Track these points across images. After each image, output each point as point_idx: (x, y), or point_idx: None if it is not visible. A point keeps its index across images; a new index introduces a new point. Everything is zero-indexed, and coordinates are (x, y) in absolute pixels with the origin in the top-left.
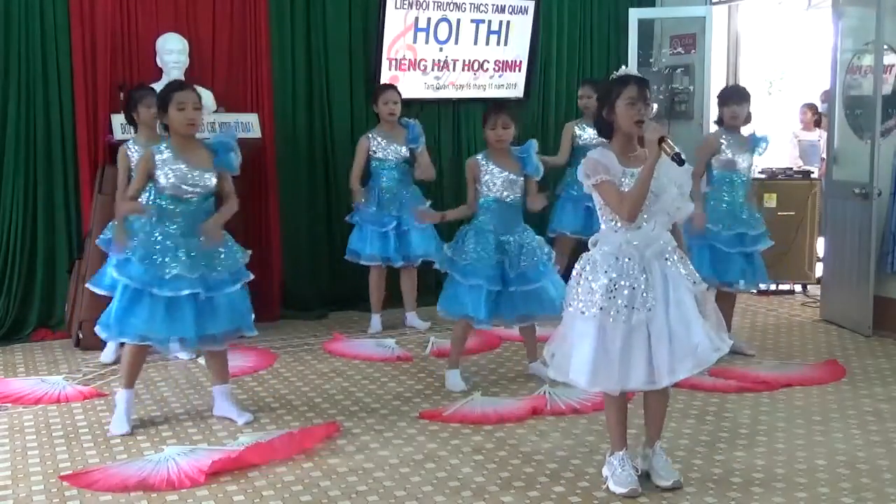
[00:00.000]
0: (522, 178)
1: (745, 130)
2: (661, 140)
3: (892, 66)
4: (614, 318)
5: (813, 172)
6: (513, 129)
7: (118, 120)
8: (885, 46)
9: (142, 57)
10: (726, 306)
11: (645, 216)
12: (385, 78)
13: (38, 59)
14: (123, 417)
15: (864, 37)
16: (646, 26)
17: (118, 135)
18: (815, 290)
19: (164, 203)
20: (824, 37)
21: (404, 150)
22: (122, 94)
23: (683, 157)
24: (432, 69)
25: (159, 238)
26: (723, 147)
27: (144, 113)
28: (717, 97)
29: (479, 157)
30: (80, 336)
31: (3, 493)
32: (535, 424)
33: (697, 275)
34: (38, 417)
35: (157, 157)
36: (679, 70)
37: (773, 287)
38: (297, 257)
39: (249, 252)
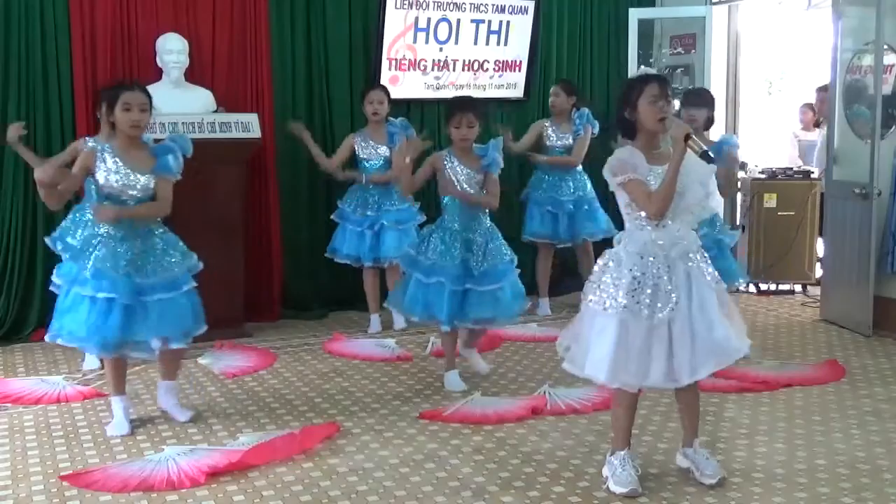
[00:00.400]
0: (483, 176)
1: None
2: (687, 137)
3: (892, 66)
4: (637, 316)
5: (813, 172)
6: (477, 129)
7: None
8: (885, 46)
9: (142, 57)
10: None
11: (670, 215)
12: (385, 78)
13: (38, 59)
14: (122, 420)
15: (864, 37)
16: (646, 26)
17: None
18: (815, 290)
19: (102, 203)
20: (824, 37)
21: (384, 150)
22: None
23: (711, 154)
24: (432, 69)
25: (97, 240)
26: None
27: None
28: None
29: (444, 153)
30: None
31: (3, 493)
32: (535, 424)
33: (718, 275)
34: (38, 417)
35: (99, 155)
36: (679, 70)
37: (773, 287)
38: (297, 257)
39: (195, 258)
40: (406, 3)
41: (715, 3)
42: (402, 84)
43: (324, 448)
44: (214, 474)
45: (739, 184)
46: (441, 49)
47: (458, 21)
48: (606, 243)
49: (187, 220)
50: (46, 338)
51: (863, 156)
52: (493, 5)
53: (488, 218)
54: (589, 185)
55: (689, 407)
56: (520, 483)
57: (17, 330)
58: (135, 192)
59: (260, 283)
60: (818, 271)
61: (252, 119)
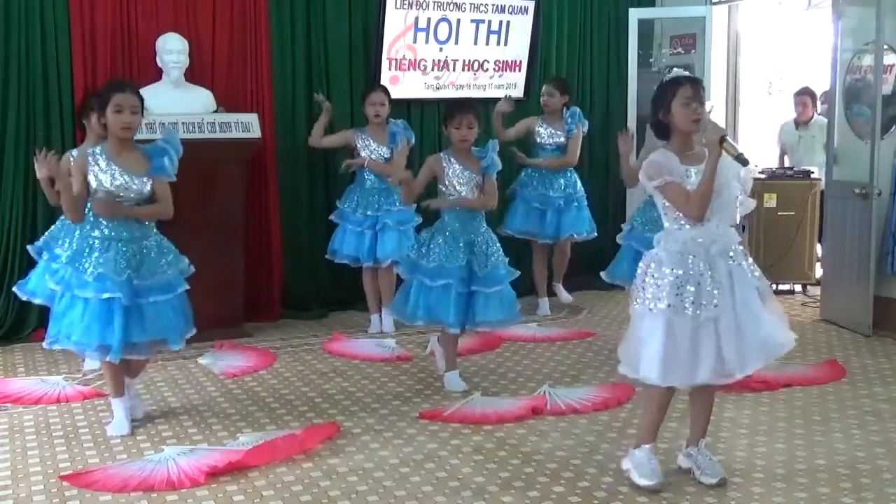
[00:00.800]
0: (482, 177)
1: None
2: (722, 140)
3: (892, 66)
4: (682, 315)
5: (813, 172)
6: (476, 130)
7: None
8: (885, 46)
9: (142, 57)
10: None
11: (708, 213)
12: (385, 78)
13: (38, 59)
14: (123, 420)
15: (864, 37)
16: (646, 26)
17: None
18: (815, 290)
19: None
20: (824, 37)
21: (385, 151)
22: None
23: (746, 157)
24: (432, 69)
25: (91, 241)
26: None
27: (96, 122)
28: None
29: (442, 154)
30: None
31: (3, 493)
32: (535, 424)
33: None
34: (38, 417)
35: (91, 158)
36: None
37: (773, 287)
38: (297, 257)
39: (192, 268)
40: (406, 3)
41: (715, 3)
42: (402, 84)
43: (324, 448)
44: (214, 474)
45: None
46: (441, 49)
47: (458, 21)
48: (587, 244)
49: (187, 220)
50: (45, 344)
51: (863, 156)
52: (493, 5)
53: (485, 220)
54: (579, 184)
55: (703, 407)
56: (520, 483)
57: (17, 330)
58: (130, 195)
59: (260, 283)
60: (818, 271)
61: (252, 119)
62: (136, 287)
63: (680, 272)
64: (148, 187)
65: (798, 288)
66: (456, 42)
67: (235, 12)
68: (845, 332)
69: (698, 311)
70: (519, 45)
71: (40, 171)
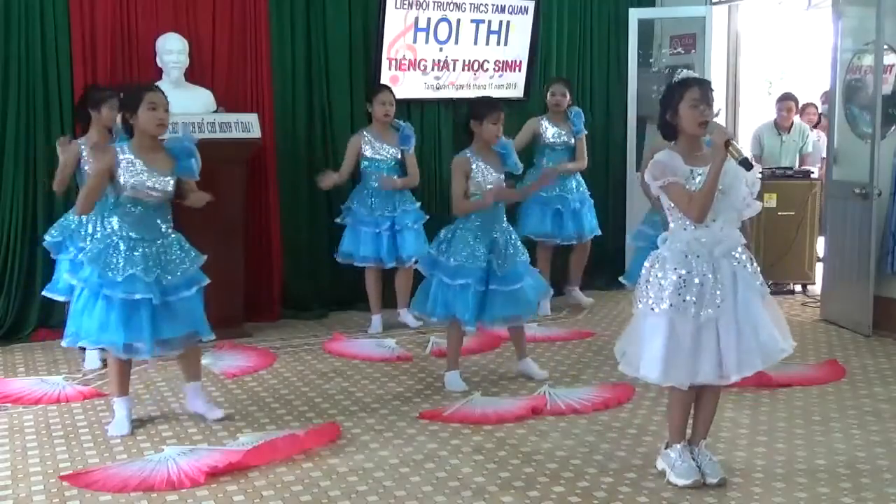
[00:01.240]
0: (503, 174)
1: None
2: (727, 143)
3: (892, 66)
4: (684, 315)
5: (813, 172)
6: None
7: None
8: (885, 46)
9: (142, 57)
10: None
11: (713, 214)
12: (385, 78)
13: (38, 59)
14: (123, 420)
15: (864, 37)
16: (646, 26)
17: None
18: (815, 289)
19: (122, 203)
20: (824, 37)
21: (394, 151)
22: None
23: (751, 161)
24: (432, 69)
25: (115, 239)
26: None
27: (107, 115)
28: None
29: (468, 154)
30: None
31: (3, 493)
32: (535, 424)
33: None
34: (38, 417)
35: (120, 156)
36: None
37: (773, 287)
38: (297, 257)
39: (205, 256)
40: (406, 3)
41: (715, 3)
42: (402, 84)
43: (324, 448)
44: (214, 474)
45: None
46: (441, 49)
47: (458, 21)
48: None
49: (187, 220)
50: (63, 343)
51: (863, 156)
52: (493, 5)
53: (505, 215)
54: (584, 184)
55: (707, 407)
56: (520, 483)
57: (17, 330)
58: (157, 193)
59: (260, 283)
60: (818, 271)
61: (252, 119)
62: (164, 286)
63: (683, 272)
64: (172, 185)
65: (798, 288)
66: (456, 42)
67: (235, 12)
68: (845, 332)
69: (700, 312)
70: (519, 45)
71: (63, 155)
